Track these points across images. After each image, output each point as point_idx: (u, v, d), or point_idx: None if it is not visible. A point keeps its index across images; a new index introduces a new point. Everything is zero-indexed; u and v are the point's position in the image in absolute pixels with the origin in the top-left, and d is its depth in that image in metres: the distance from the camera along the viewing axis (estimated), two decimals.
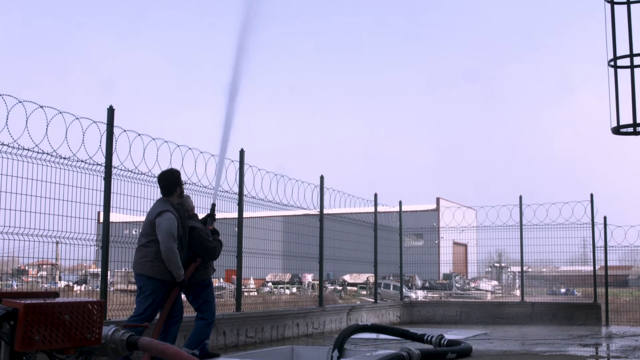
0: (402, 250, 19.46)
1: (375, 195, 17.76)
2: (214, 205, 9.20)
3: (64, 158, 8.84)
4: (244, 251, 12.21)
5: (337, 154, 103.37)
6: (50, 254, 9.94)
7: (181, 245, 8.06)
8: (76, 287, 21.67)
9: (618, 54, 12.71)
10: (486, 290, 33.03)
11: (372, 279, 21.14)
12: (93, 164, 9.24)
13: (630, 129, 12.66)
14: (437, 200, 51.29)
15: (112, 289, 14.41)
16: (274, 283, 33.80)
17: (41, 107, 8.51)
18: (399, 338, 11.31)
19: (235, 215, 12.18)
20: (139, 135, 9.73)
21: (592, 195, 18.06)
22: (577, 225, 18.10)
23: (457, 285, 36.75)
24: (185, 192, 8.91)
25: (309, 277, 38.52)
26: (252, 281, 23.39)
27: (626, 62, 12.67)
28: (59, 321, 3.99)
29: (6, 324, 3.88)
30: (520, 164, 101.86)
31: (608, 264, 18.71)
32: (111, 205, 9.44)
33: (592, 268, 18.67)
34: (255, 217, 13.58)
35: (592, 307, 18.19)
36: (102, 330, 4.28)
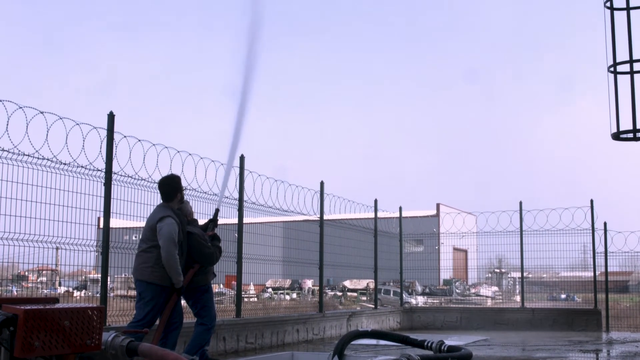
0: (402, 256, 19.44)
1: (376, 201, 17.78)
2: (217, 211, 9.15)
3: (64, 164, 8.85)
4: (244, 257, 12.21)
5: (337, 157, 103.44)
6: (50, 259, 9.94)
7: (181, 251, 8.05)
8: (76, 293, 21.66)
9: (618, 60, 12.72)
10: (486, 296, 32.99)
11: (372, 285, 21.12)
12: (93, 170, 9.25)
13: (630, 135, 12.67)
14: (437, 206, 51.29)
15: (112, 294, 14.40)
16: (274, 289, 33.80)
17: (41, 112, 8.52)
18: (399, 344, 11.29)
19: (236, 221, 12.18)
20: (139, 141, 9.75)
21: (592, 201, 18.08)
22: (577, 231, 18.11)
23: (457, 291, 36.70)
24: (185, 197, 8.90)
25: (309, 283, 38.47)
26: (252, 287, 23.36)
27: (626, 67, 12.68)
28: (58, 327, 3.99)
29: (6, 329, 3.87)
30: (521, 170, 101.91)
31: (608, 270, 18.69)
32: (111, 210, 9.44)
33: (592, 274, 18.65)
34: (255, 223, 13.58)
35: (592, 313, 18.17)
36: (102, 336, 4.28)
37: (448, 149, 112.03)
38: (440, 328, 18.58)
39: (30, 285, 20.41)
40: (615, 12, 12.90)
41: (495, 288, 33.24)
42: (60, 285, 20.83)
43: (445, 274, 25.34)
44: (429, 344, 10.74)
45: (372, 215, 17.78)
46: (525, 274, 19.55)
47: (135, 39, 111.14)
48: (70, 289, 22.56)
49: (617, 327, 18.65)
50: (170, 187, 8.27)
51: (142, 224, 8.89)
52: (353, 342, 10.89)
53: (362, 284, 40.61)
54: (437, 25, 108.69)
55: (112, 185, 9.48)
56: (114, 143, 9.47)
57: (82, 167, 9.06)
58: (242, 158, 12.14)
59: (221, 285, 21.47)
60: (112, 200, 9.47)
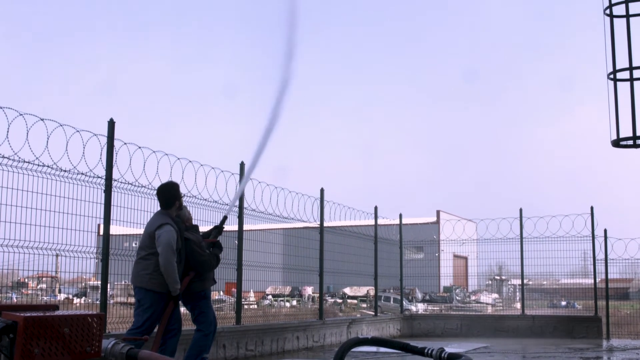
0: (402, 263, 19.43)
1: (376, 208, 17.78)
2: (225, 218, 9.03)
3: (65, 171, 8.86)
4: (244, 264, 12.20)
5: (336, 164, 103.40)
6: (50, 266, 9.93)
7: (179, 258, 8.05)
8: (76, 300, 21.65)
9: (618, 67, 12.74)
10: (487, 303, 32.94)
11: (372, 292, 21.11)
12: (93, 177, 9.26)
13: (630, 142, 12.68)
14: (438, 213, 51.30)
15: (111, 301, 14.39)
16: (274, 296, 33.75)
17: (42, 119, 8.54)
18: (399, 351, 11.24)
19: (236, 228, 12.17)
20: (140, 148, 9.76)
21: (592, 208, 18.07)
22: (578, 237, 18.10)
23: (457, 298, 36.66)
24: (185, 204, 8.89)
25: (309, 290, 38.45)
26: (252, 294, 23.33)
27: (626, 75, 12.70)
28: (58, 334, 3.99)
29: (5, 337, 3.87)
30: (521, 177, 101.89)
31: (609, 277, 18.67)
32: (111, 217, 9.44)
33: (592, 281, 18.64)
34: (255, 230, 13.58)
35: (593, 320, 18.15)
36: (101, 344, 4.27)
37: (448, 155, 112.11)
38: (441, 335, 18.55)
39: (30, 292, 20.41)
40: (614, 19, 12.93)
41: (495, 295, 33.21)
42: (60, 292, 20.83)
43: (446, 281, 25.30)
44: (429, 352, 10.71)
45: (372, 222, 17.78)
46: (525, 281, 19.53)
47: (135, 41, 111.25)
48: (70, 296, 22.56)
49: (617, 334, 18.63)
50: (169, 194, 8.26)
51: (142, 231, 8.89)
52: (353, 350, 10.87)
53: (362, 291, 40.57)
54: (437, 29, 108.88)
55: (113, 192, 9.49)
56: (115, 150, 9.48)
57: (82, 174, 9.07)
58: (242, 165, 12.14)
59: (221, 293, 21.47)
60: (112, 207, 9.48)
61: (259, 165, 8.45)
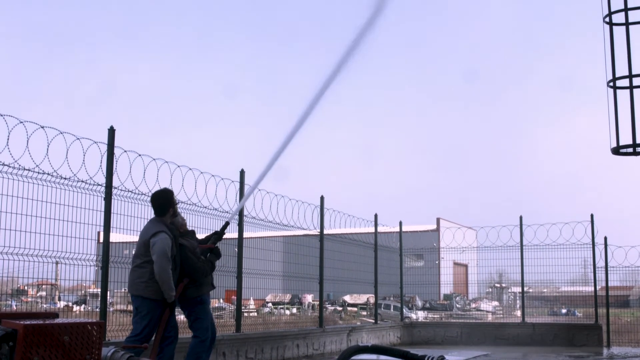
0: (402, 270, 19.41)
1: (376, 215, 17.77)
2: (227, 224, 8.92)
3: (65, 178, 8.86)
4: (244, 271, 12.19)
5: (336, 171, 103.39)
6: (50, 274, 9.92)
7: (174, 264, 8.03)
8: (75, 308, 21.62)
9: (617, 75, 12.75)
10: (487, 311, 32.89)
11: (372, 300, 21.08)
12: (93, 184, 9.26)
13: (630, 150, 12.68)
14: (438, 220, 51.26)
15: (111, 309, 14.37)
16: (274, 303, 33.71)
17: (42, 127, 8.54)
18: (399, 359, 11.25)
19: (236, 235, 12.17)
20: (140, 155, 9.76)
21: (592, 216, 18.07)
22: (578, 245, 18.09)
23: (457, 305, 36.61)
24: (184, 212, 8.89)
25: (309, 298, 38.38)
26: (252, 302, 23.30)
27: (625, 82, 12.71)
28: (58, 342, 3.98)
29: (5, 345, 3.86)
30: (521, 184, 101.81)
31: (609, 285, 18.65)
32: (111, 225, 9.44)
33: (593, 288, 18.62)
34: (255, 238, 13.57)
35: (593, 328, 18.12)
36: (101, 352, 4.26)
37: (448, 163, 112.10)
38: (441, 343, 18.51)
39: (29, 299, 20.39)
40: (614, 27, 12.95)
41: (495, 303, 33.16)
42: (59, 299, 20.80)
43: (446, 288, 25.29)
44: (430, 359, 10.71)
45: (372, 229, 17.77)
46: (525, 289, 19.50)
47: (135, 45, 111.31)
48: (70, 304, 22.53)
49: (618, 342, 18.59)
50: (163, 200, 8.24)
51: None
52: (353, 358, 10.84)
53: (362, 298, 40.51)
54: (437, 34, 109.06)
55: (113, 200, 9.49)
56: (115, 158, 9.49)
57: (82, 181, 9.07)
58: (242, 173, 12.15)
59: (221, 300, 21.44)
60: (112, 214, 9.47)
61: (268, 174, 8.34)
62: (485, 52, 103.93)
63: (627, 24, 12.87)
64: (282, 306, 33.91)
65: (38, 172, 8.53)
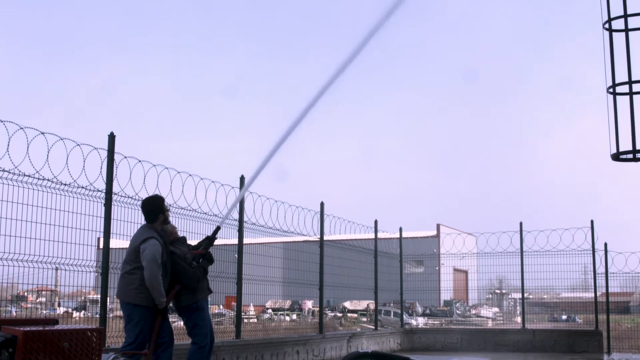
0: (402, 276, 19.40)
1: (376, 221, 17.76)
2: (218, 229, 8.84)
3: (65, 184, 8.85)
4: (243, 278, 12.17)
5: (336, 177, 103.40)
6: (50, 280, 9.92)
7: (165, 271, 8.01)
8: (75, 314, 21.58)
9: (617, 81, 12.76)
10: (487, 317, 32.88)
11: (372, 306, 21.05)
12: (93, 190, 9.25)
13: (630, 156, 12.68)
14: (438, 226, 51.27)
15: (111, 315, 14.34)
16: (274, 310, 33.69)
17: (42, 133, 8.55)
18: None
19: (236, 241, 12.16)
20: (140, 161, 9.76)
21: (592, 222, 18.06)
22: (578, 251, 18.08)
23: (457, 312, 36.60)
24: (184, 218, 8.87)
25: (309, 304, 38.37)
26: (252, 308, 23.29)
27: (625, 89, 12.72)
28: (58, 349, 3.98)
29: (5, 351, 3.86)
30: (521, 190, 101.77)
31: (609, 291, 18.63)
32: (111, 231, 9.43)
33: (593, 295, 18.61)
34: (255, 244, 13.56)
35: (593, 334, 18.09)
36: (101, 358, 4.26)
37: (448, 169, 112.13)
38: (441, 349, 18.49)
39: (29, 305, 20.36)
40: (613, 33, 12.96)
41: (495, 309, 33.15)
42: (59, 305, 20.76)
43: (446, 294, 25.26)
44: None
45: (372, 235, 17.76)
46: (526, 295, 19.49)
47: (135, 48, 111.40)
48: (70, 310, 22.48)
49: (618, 348, 18.56)
50: (153, 207, 8.22)
51: None
52: None
53: (362, 305, 40.49)
54: (436, 37, 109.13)
55: (113, 206, 9.49)
56: (115, 164, 9.49)
57: (82, 187, 9.07)
58: (242, 179, 12.14)
59: (221, 306, 21.41)
60: (112, 220, 9.47)
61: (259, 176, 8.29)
62: (485, 59, 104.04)
63: (626, 30, 12.88)
64: (282, 312, 33.89)
65: (38, 178, 8.52)
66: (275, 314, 32.54)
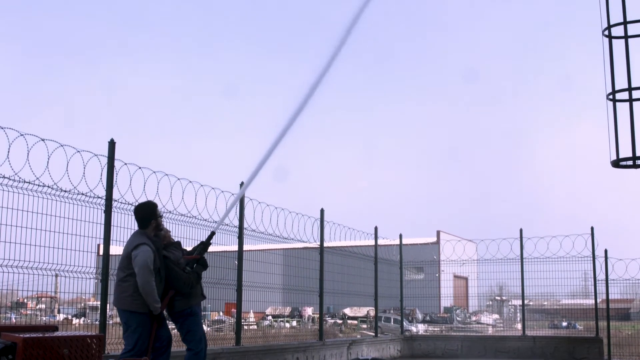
0: (402, 283, 19.38)
1: (376, 228, 17.75)
2: (212, 234, 8.75)
3: (65, 191, 8.86)
4: (243, 284, 12.16)
5: (337, 183, 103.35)
6: (50, 286, 9.91)
7: (159, 277, 8.00)
8: (75, 321, 21.55)
9: (617, 88, 12.77)
10: (487, 324, 32.85)
11: (372, 313, 21.04)
12: (93, 197, 9.26)
13: (630, 162, 12.69)
14: (438, 233, 51.29)
15: (111, 322, 14.33)
16: (273, 316, 33.67)
17: (42, 140, 8.55)
18: None
19: (236, 248, 12.15)
20: (140, 168, 9.77)
21: (592, 229, 18.05)
22: (578, 258, 18.07)
23: (458, 318, 36.55)
24: (184, 225, 8.86)
25: (309, 311, 38.32)
26: (252, 314, 23.27)
27: (625, 95, 12.73)
28: (57, 355, 3.98)
29: (5, 358, 3.86)
30: (521, 197, 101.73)
31: (610, 297, 18.62)
32: (111, 238, 9.43)
33: (593, 301, 18.59)
34: (255, 250, 13.55)
35: (594, 341, 18.07)
36: None
37: (449, 176, 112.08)
38: (441, 356, 18.46)
39: (29, 312, 20.35)
40: (613, 40, 12.99)
41: (496, 316, 33.11)
42: (59, 312, 20.74)
43: (446, 301, 25.22)
44: None
45: (372, 242, 17.75)
46: (526, 302, 19.47)
47: (134, 49, 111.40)
48: (70, 317, 22.45)
49: (619, 355, 18.54)
50: (145, 213, 8.20)
51: None
52: None
53: (362, 311, 40.45)
54: (437, 40, 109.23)
55: (113, 213, 9.49)
56: (115, 170, 9.49)
57: (82, 194, 9.08)
58: (242, 185, 12.14)
59: (221, 313, 21.39)
60: (112, 227, 9.47)
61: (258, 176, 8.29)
62: (485, 63, 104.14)
63: (626, 37, 12.90)
64: (282, 319, 33.85)
65: (38, 185, 8.53)
66: (275, 321, 32.51)
